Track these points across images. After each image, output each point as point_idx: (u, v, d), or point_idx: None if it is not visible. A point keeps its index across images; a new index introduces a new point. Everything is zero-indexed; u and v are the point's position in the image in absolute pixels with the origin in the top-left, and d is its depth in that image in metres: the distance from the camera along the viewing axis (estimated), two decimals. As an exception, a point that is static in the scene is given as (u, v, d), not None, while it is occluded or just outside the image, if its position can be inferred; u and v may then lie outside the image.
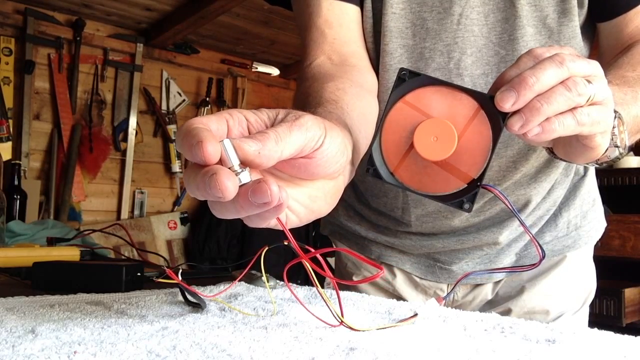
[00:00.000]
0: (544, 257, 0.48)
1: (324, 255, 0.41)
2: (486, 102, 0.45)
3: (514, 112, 0.43)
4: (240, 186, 0.36)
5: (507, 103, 0.43)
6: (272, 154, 0.37)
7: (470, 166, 0.45)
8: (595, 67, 0.45)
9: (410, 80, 0.47)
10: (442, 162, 0.46)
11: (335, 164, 0.43)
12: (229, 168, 0.36)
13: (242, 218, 0.39)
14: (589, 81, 0.44)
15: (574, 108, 0.44)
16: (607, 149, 0.51)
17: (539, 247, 0.48)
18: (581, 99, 0.43)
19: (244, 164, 0.37)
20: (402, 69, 0.48)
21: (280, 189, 0.36)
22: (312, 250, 0.42)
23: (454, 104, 0.46)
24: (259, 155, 0.36)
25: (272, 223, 0.40)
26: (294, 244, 0.41)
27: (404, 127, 0.47)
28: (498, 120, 0.44)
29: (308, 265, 0.42)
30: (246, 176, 0.36)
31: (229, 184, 0.34)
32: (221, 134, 0.38)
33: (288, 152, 0.38)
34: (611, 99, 0.47)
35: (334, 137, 0.42)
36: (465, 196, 0.46)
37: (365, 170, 0.48)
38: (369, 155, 0.48)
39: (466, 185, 0.46)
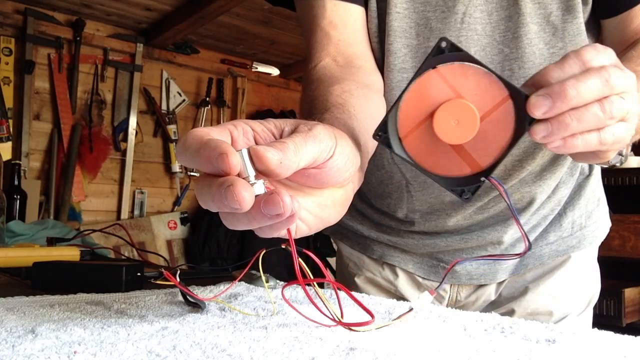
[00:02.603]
0: (529, 248, 0.47)
1: (324, 257, 0.41)
2: (519, 99, 0.43)
3: (542, 119, 0.42)
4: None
5: (539, 110, 0.42)
6: (292, 164, 0.37)
7: (482, 156, 0.44)
8: (630, 80, 0.44)
9: (449, 53, 0.45)
10: (456, 145, 0.44)
11: (345, 173, 0.43)
12: (244, 179, 0.35)
13: (253, 229, 0.39)
14: (622, 97, 0.42)
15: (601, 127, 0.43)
16: None
17: (525, 237, 0.47)
18: (612, 122, 0.43)
19: (262, 173, 0.36)
20: (442, 39, 0.45)
21: (292, 199, 0.35)
22: (311, 254, 0.42)
23: (484, 88, 0.44)
24: (280, 165, 0.36)
25: (282, 233, 0.40)
26: (296, 262, 0.40)
27: (429, 98, 0.44)
28: (524, 120, 0.43)
29: (309, 271, 0.42)
30: (260, 187, 0.36)
31: (246, 195, 0.34)
32: None
33: (304, 162, 0.38)
34: (636, 115, 0.45)
35: (343, 147, 0.42)
36: (468, 186, 0.45)
37: (375, 135, 0.46)
38: (382, 122, 0.46)
39: (472, 174, 0.45)
